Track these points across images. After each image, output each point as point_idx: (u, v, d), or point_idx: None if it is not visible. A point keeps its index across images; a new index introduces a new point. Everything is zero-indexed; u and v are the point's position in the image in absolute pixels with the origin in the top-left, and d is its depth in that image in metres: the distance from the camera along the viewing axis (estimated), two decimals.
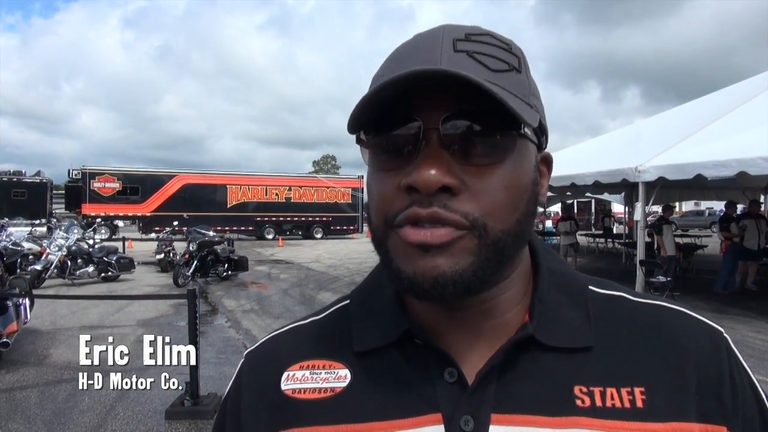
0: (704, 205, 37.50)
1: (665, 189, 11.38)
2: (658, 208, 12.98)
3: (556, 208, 22.20)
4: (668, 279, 9.72)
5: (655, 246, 11.76)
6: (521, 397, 0.57)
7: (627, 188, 14.87)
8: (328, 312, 0.72)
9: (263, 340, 0.72)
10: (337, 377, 0.63)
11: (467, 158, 0.53)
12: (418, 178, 0.52)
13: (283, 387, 0.64)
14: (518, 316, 0.62)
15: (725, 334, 0.62)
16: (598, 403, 0.56)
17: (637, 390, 0.56)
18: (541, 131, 0.61)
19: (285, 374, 0.65)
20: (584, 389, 0.57)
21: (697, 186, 14.56)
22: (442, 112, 0.53)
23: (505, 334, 0.60)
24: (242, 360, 0.71)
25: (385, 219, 0.56)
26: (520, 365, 0.59)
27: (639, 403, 0.56)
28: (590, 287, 0.66)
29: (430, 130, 0.53)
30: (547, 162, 0.65)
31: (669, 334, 0.61)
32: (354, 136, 0.59)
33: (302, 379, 0.64)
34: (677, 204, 27.91)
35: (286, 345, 0.69)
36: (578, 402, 0.56)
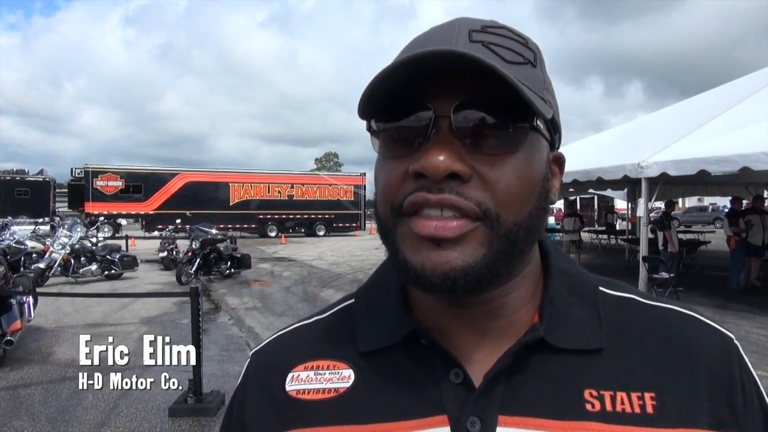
0: (707, 200, 37.37)
1: (668, 185, 11.36)
2: (660, 204, 12.95)
3: (558, 204, 22.12)
4: (671, 275, 9.68)
5: (661, 242, 11.73)
6: (530, 400, 0.56)
7: (630, 184, 14.83)
8: (332, 311, 0.71)
9: (268, 340, 0.72)
10: (341, 378, 0.62)
11: (478, 147, 0.52)
12: (426, 164, 0.51)
13: (288, 388, 0.63)
14: (527, 317, 0.61)
15: (736, 341, 0.61)
16: (609, 407, 0.55)
17: (647, 395, 0.55)
18: (554, 128, 0.60)
19: (290, 375, 0.64)
20: (594, 393, 0.55)
21: (700, 182, 14.53)
22: (454, 99, 0.52)
23: (513, 334, 0.59)
24: (248, 360, 0.71)
25: (391, 207, 0.55)
26: (529, 367, 0.57)
27: (649, 409, 0.55)
28: (601, 288, 0.65)
29: (441, 117, 0.52)
30: (559, 162, 0.64)
31: (680, 338, 0.60)
32: (359, 131, 0.59)
33: (306, 380, 0.63)
34: (680, 200, 27.83)
35: (290, 345, 0.69)
36: (588, 406, 0.55)
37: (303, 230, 31.18)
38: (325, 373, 0.63)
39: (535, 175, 0.55)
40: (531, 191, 0.55)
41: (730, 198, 13.03)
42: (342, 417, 0.59)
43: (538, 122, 0.54)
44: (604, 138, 14.41)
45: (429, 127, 0.52)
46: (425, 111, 0.53)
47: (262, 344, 0.72)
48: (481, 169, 0.52)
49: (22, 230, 14.49)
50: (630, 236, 17.35)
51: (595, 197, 29.29)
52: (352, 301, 0.70)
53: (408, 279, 0.55)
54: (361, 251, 20.66)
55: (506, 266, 0.55)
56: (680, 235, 13.51)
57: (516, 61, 0.54)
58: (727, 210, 13.60)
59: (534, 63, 0.56)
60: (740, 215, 11.11)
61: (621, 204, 25.82)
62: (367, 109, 0.56)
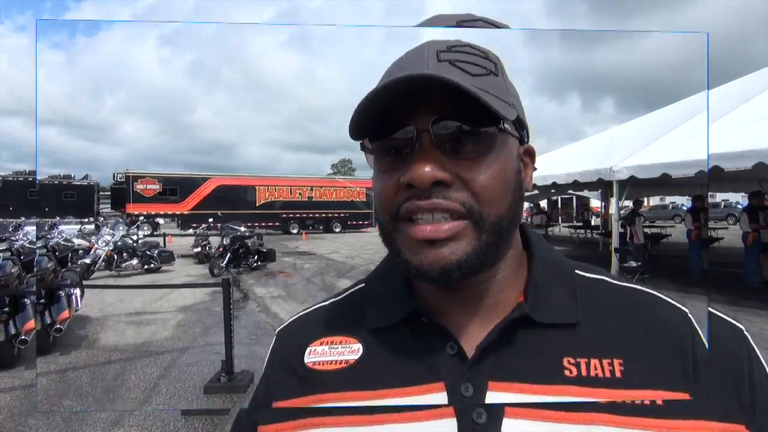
0: (668, 200, 38.15)
1: (636, 186, 11.17)
2: (629, 203, 12.79)
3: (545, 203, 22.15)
4: (639, 264, 9.67)
5: (628, 235, 11.69)
6: (516, 368, 0.57)
7: (603, 186, 14.70)
8: (345, 294, 0.73)
9: (290, 320, 0.74)
10: (351, 351, 0.64)
11: (458, 153, 0.54)
12: (414, 175, 0.53)
13: (306, 360, 0.65)
14: (512, 296, 0.62)
15: (690, 315, 0.61)
16: (584, 372, 0.56)
17: (616, 362, 0.56)
18: (521, 126, 0.61)
19: (308, 349, 0.66)
20: (572, 360, 0.57)
21: (663, 183, 14.31)
22: (432, 115, 0.54)
23: (500, 312, 0.60)
24: (274, 338, 0.74)
25: (390, 215, 0.57)
26: (516, 340, 0.59)
27: (618, 373, 0.56)
28: (577, 271, 0.66)
29: (423, 132, 0.54)
30: (530, 153, 0.65)
31: (645, 313, 0.61)
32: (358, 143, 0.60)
33: (322, 353, 0.65)
34: (645, 199, 27.70)
35: (308, 324, 0.71)
36: (566, 372, 0.56)
37: (321, 227, 31.03)
38: (338, 347, 0.65)
39: (508, 171, 0.57)
40: (507, 186, 0.57)
41: (742, 194, 12.25)
42: (352, 384, 0.61)
43: (505, 125, 0.56)
44: (580, 146, 14.36)
45: (413, 141, 0.54)
46: (408, 127, 0.54)
47: (286, 323, 0.74)
48: (462, 173, 0.54)
49: (69, 229, 14.41)
50: (603, 231, 17.27)
51: (574, 197, 29.20)
52: (363, 285, 0.72)
53: (410, 274, 0.58)
54: (372, 245, 20.57)
55: (494, 253, 0.57)
56: (645, 230, 13.36)
57: (479, 73, 0.56)
58: (742, 206, 12.79)
59: (496, 72, 0.58)
60: (760, 211, 9.63)
61: (596, 203, 25.79)
62: (357, 132, 0.57)
